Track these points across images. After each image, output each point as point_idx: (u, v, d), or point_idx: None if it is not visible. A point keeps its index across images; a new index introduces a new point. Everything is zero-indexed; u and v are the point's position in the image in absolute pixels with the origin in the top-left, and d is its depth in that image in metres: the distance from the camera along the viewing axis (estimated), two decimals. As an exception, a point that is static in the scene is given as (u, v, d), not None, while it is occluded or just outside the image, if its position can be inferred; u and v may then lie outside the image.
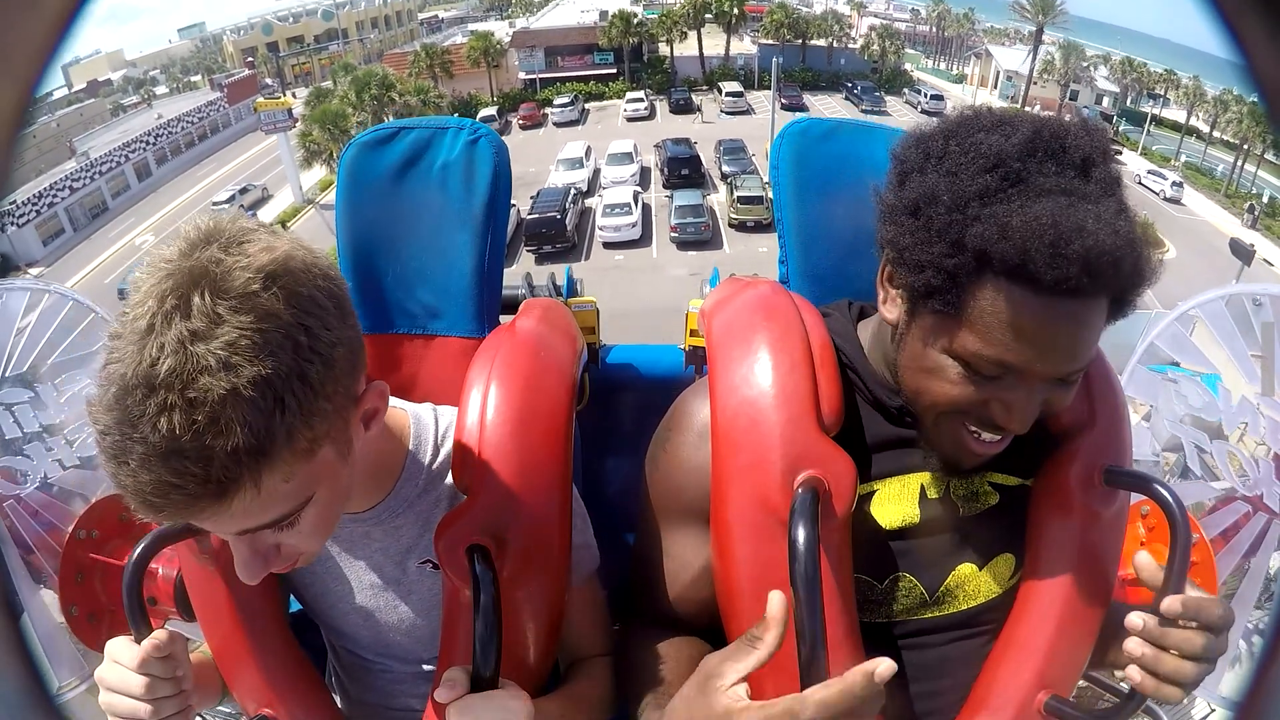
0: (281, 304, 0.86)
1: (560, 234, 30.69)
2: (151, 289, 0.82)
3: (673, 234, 31.40)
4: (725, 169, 36.92)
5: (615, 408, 1.89)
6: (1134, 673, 1.07)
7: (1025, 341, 0.99)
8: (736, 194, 32.33)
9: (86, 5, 0.68)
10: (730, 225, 32.22)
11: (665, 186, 36.53)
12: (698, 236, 31.13)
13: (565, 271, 2.11)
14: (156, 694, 1.13)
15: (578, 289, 2.08)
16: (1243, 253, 23.54)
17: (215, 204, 40.02)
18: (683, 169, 36.89)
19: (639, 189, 35.66)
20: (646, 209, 34.06)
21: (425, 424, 1.29)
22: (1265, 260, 29.86)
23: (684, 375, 1.90)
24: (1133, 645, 1.07)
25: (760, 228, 30.33)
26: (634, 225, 31.86)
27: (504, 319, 1.53)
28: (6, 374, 1.98)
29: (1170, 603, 1.04)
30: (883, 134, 1.47)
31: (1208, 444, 1.98)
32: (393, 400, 1.29)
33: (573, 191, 34.07)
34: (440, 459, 1.26)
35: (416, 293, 1.56)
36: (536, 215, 31.02)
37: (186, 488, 0.81)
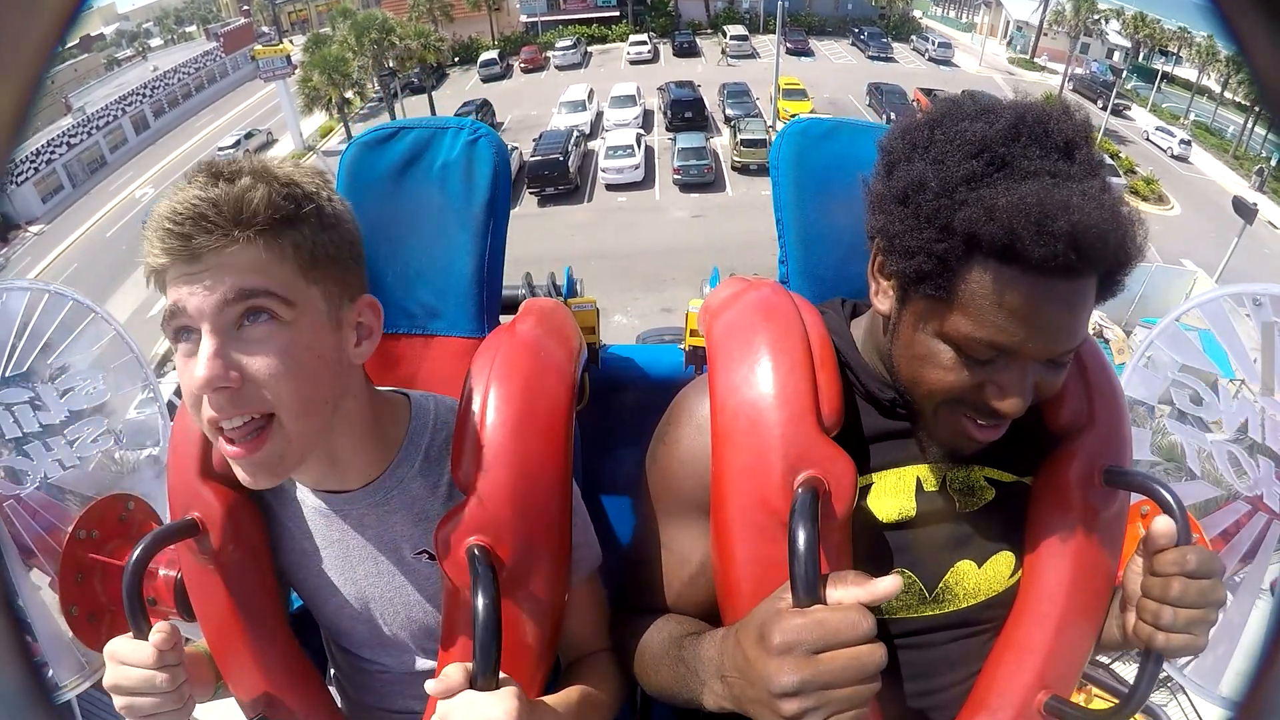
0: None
1: (563, 176, 30.43)
2: None
3: (675, 176, 31.19)
4: (729, 112, 36.46)
5: (615, 408, 1.88)
6: (1143, 630, 1.08)
7: (1016, 322, 0.99)
8: (740, 137, 32.02)
9: (86, 5, 0.68)
10: (733, 168, 31.95)
11: (668, 129, 36.11)
12: (700, 179, 30.91)
13: (565, 271, 2.10)
14: (178, 681, 1.16)
15: (578, 289, 2.08)
16: (1245, 211, 23.13)
17: (221, 149, 39.37)
18: (686, 112, 36.39)
19: (642, 132, 35.24)
20: (649, 151, 33.76)
21: (424, 409, 1.31)
22: (1269, 222, 29.43)
23: (684, 375, 1.89)
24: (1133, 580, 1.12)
25: (763, 171, 29.71)
26: (637, 167, 31.62)
27: (504, 319, 1.52)
28: (6, 374, 1.97)
29: (1158, 558, 1.07)
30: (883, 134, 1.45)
31: (1207, 442, 1.98)
32: (392, 389, 1.34)
33: (575, 134, 33.66)
34: (438, 444, 1.28)
35: (416, 293, 1.56)
36: (539, 157, 30.69)
37: (209, 197, 0.99)
